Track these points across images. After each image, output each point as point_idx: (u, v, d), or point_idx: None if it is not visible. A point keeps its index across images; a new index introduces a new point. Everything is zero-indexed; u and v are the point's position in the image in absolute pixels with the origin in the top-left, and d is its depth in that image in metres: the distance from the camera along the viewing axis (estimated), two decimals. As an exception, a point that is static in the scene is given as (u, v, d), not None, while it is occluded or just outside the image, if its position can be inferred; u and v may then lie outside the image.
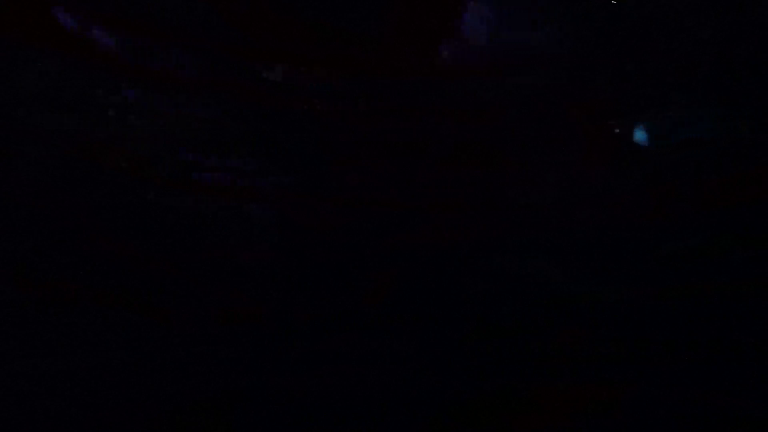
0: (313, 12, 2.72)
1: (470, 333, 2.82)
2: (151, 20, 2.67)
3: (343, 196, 2.80)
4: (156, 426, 2.71)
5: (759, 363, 2.76)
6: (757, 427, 2.74)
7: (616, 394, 2.78)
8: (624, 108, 2.78)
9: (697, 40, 2.72)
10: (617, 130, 2.64)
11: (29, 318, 2.71)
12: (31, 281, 2.71)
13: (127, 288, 2.75)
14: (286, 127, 2.79)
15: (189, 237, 2.78)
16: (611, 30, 2.74)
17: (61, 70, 2.69)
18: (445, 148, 2.81)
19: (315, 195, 2.80)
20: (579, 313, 2.82)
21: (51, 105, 2.69)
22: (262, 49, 2.73)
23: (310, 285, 2.81)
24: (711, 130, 2.77)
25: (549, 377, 2.79)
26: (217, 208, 2.79)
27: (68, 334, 2.72)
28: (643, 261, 2.80)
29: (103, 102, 2.72)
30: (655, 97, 2.77)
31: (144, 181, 2.74)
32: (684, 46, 2.73)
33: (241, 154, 2.78)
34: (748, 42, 2.72)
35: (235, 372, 2.76)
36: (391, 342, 2.81)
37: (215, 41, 2.70)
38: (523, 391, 2.79)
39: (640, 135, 2.72)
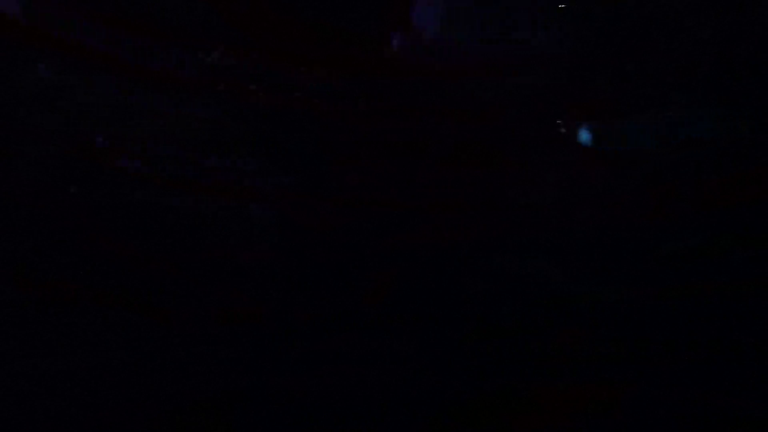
0: (313, 12, 2.72)
1: (470, 333, 2.82)
2: (151, 20, 2.67)
3: (343, 196, 2.80)
4: (156, 426, 2.71)
5: (759, 363, 2.76)
6: (757, 427, 2.74)
7: (616, 394, 2.78)
8: (624, 108, 2.78)
9: (697, 40, 2.72)
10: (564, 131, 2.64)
11: (29, 318, 2.71)
12: (31, 281, 2.71)
13: (127, 288, 2.75)
14: (286, 127, 2.79)
15: (189, 237, 2.78)
16: (611, 30, 2.74)
17: (61, 71, 2.69)
18: (445, 148, 2.81)
19: (315, 195, 2.80)
20: (579, 313, 2.82)
21: (51, 105, 2.69)
22: (262, 49, 2.73)
23: (310, 285, 2.81)
24: (711, 130, 2.77)
25: (549, 377, 2.79)
26: (217, 208, 2.79)
27: (68, 334, 2.72)
28: (643, 261, 2.80)
29: (103, 102, 2.72)
30: (655, 97, 2.77)
31: (144, 181, 2.74)
32: (684, 46, 2.73)
33: (241, 154, 2.78)
34: (748, 42, 2.72)
35: (235, 372, 2.76)
36: (391, 342, 2.81)
37: (215, 41, 2.70)
38: (523, 391, 2.79)
39: (585, 137, 2.72)
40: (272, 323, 2.80)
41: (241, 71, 2.73)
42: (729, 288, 2.79)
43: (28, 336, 2.70)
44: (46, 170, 2.71)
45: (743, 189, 2.76)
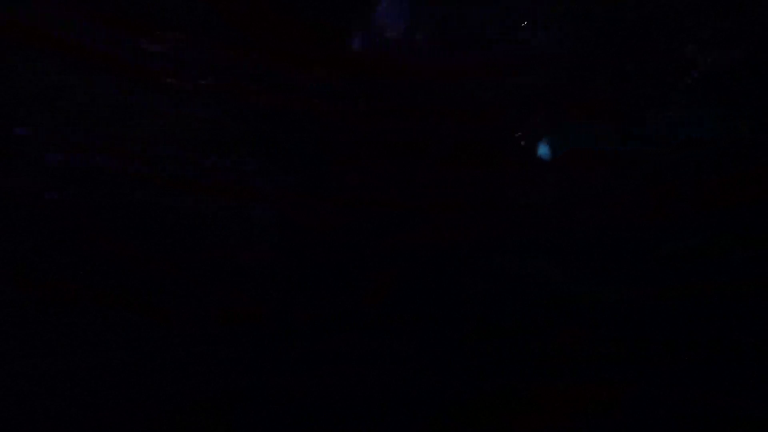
0: (313, 12, 2.72)
1: (470, 333, 2.82)
2: (151, 20, 2.67)
3: (343, 196, 2.80)
4: (156, 426, 2.71)
5: (759, 363, 2.76)
6: (757, 427, 2.74)
7: (616, 394, 2.78)
8: (624, 108, 2.78)
9: (697, 40, 2.73)
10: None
11: (29, 318, 2.71)
12: (31, 281, 2.71)
13: (127, 288, 2.75)
14: (286, 127, 2.79)
15: (189, 237, 2.78)
16: (611, 30, 2.74)
17: (61, 71, 2.69)
18: (445, 148, 2.81)
19: (315, 195, 2.80)
20: (579, 313, 2.82)
21: (51, 105, 2.69)
22: (262, 49, 2.73)
23: (310, 285, 2.81)
24: (711, 130, 2.77)
25: (549, 377, 2.79)
26: (217, 208, 2.79)
27: (68, 334, 2.72)
28: (643, 261, 2.80)
29: (103, 102, 2.72)
30: (655, 97, 2.77)
31: (144, 181, 2.74)
32: (684, 46, 2.73)
33: (241, 154, 2.78)
34: (748, 42, 2.72)
35: (235, 372, 2.76)
36: (391, 342, 2.81)
37: (215, 41, 2.70)
38: (523, 391, 2.79)
39: (543, 150, 2.73)
40: (272, 323, 2.80)
41: (242, 71, 2.73)
42: (729, 288, 2.79)
43: (28, 336, 2.70)
44: (45, 171, 2.71)
45: (743, 189, 2.76)
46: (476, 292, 2.82)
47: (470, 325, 2.82)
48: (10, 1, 2.60)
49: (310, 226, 2.81)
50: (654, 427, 2.76)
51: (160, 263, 2.76)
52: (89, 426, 2.69)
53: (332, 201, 2.80)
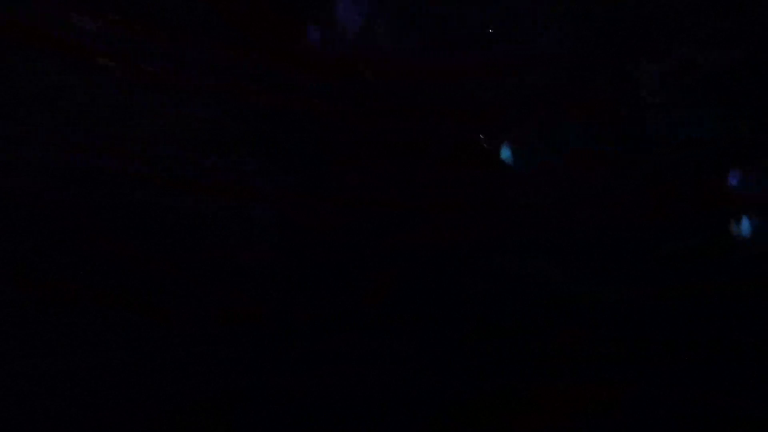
0: (313, 12, 2.72)
1: (470, 333, 2.82)
2: (151, 20, 2.67)
3: (343, 196, 2.80)
4: (156, 426, 2.71)
5: (759, 363, 2.76)
6: (757, 427, 2.74)
7: (616, 394, 2.78)
8: (624, 108, 2.78)
9: (697, 40, 2.72)
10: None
11: (29, 318, 2.71)
12: (31, 281, 2.71)
13: (127, 288, 2.75)
14: (286, 127, 2.79)
15: (189, 237, 2.78)
16: (611, 30, 2.74)
17: (61, 71, 2.69)
18: (445, 148, 2.81)
19: (315, 195, 2.80)
20: (579, 313, 2.82)
21: (51, 106, 2.69)
22: (262, 49, 2.73)
23: (310, 285, 2.81)
24: (711, 130, 2.77)
25: (549, 377, 2.79)
26: (217, 208, 2.79)
27: (68, 334, 2.72)
28: (643, 261, 2.80)
29: (103, 102, 2.72)
30: (656, 98, 2.77)
31: (144, 181, 2.74)
32: (684, 46, 2.73)
33: (241, 154, 2.78)
34: (748, 42, 2.72)
35: (235, 372, 2.76)
36: (391, 342, 2.81)
37: (215, 41, 2.70)
38: (523, 391, 2.79)
39: (505, 153, 2.73)
40: (272, 323, 2.80)
41: (242, 71, 2.73)
42: (729, 288, 2.79)
43: (28, 336, 2.70)
44: (46, 171, 2.71)
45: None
46: (476, 292, 2.82)
47: (470, 325, 2.82)
48: (10, 1, 2.60)
49: (310, 226, 2.81)
50: (654, 427, 2.76)
51: (160, 263, 2.76)
52: (89, 426, 2.69)
53: (332, 201, 2.80)
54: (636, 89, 2.76)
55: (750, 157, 2.74)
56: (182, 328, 2.77)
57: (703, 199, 2.77)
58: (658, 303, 2.80)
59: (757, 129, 2.74)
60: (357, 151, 2.79)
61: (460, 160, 2.79)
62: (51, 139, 2.70)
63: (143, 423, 2.70)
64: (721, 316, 2.79)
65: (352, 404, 2.75)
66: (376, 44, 2.67)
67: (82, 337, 2.73)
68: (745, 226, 2.72)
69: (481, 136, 2.60)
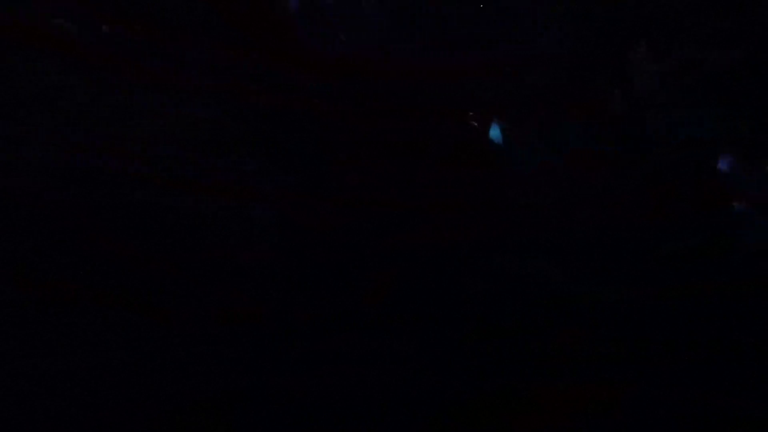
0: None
1: (470, 333, 2.82)
2: (151, 20, 2.67)
3: (343, 196, 2.80)
4: (156, 426, 2.71)
5: (759, 363, 2.76)
6: (757, 427, 2.74)
7: (616, 394, 2.78)
8: (624, 108, 2.78)
9: (697, 40, 2.72)
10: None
11: (29, 318, 2.71)
12: (31, 281, 2.71)
13: (127, 288, 2.75)
14: (286, 127, 2.79)
15: (189, 237, 2.78)
16: (611, 30, 2.74)
17: (61, 71, 2.69)
18: (445, 148, 2.81)
19: (315, 195, 2.80)
20: (579, 313, 2.82)
21: (51, 106, 2.69)
22: (261, 49, 2.73)
23: (310, 285, 2.81)
24: (711, 130, 2.77)
25: (549, 377, 2.79)
26: (217, 208, 2.79)
27: (68, 334, 2.72)
28: (643, 261, 2.80)
29: (103, 102, 2.72)
30: (656, 98, 2.77)
31: (144, 181, 2.74)
32: (684, 46, 2.73)
33: (241, 154, 2.78)
34: (748, 42, 2.72)
35: (235, 372, 2.76)
36: (391, 342, 2.81)
37: (215, 41, 2.70)
38: (523, 391, 2.79)
39: (494, 132, 2.72)
40: (272, 323, 2.80)
41: (242, 71, 2.73)
42: (729, 288, 2.79)
43: (28, 336, 2.70)
44: (46, 171, 2.71)
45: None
46: (476, 292, 2.82)
47: (470, 325, 2.82)
48: (10, 1, 2.60)
49: (310, 226, 2.81)
50: (654, 427, 2.76)
51: (160, 263, 2.76)
52: (89, 426, 2.69)
53: (332, 201, 2.80)
54: (636, 89, 2.76)
55: (750, 157, 2.74)
56: (182, 328, 2.77)
57: (703, 199, 2.77)
58: (658, 303, 2.80)
59: (757, 129, 2.74)
60: (357, 151, 2.79)
61: (460, 160, 2.79)
62: (51, 139, 2.69)
63: (143, 423, 2.70)
64: (721, 316, 2.79)
65: (352, 404, 2.75)
66: (376, 44, 2.67)
67: (82, 337, 2.73)
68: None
69: (475, 124, 2.60)
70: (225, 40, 2.69)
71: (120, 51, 2.66)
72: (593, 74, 2.76)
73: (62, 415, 2.68)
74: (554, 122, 2.75)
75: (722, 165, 2.71)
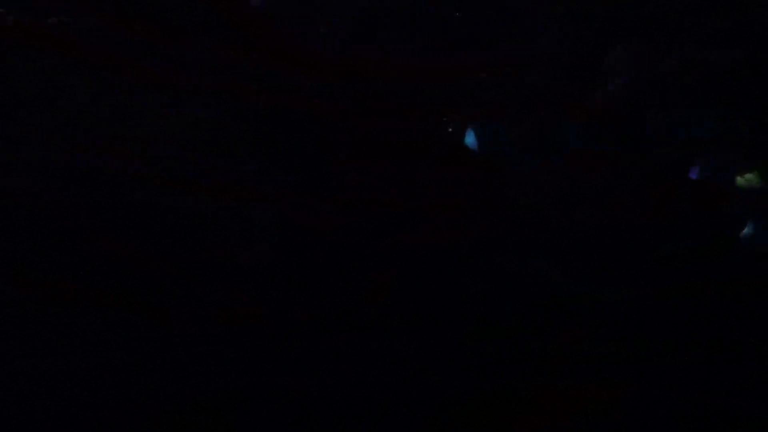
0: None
1: (470, 333, 2.82)
2: (151, 20, 2.67)
3: (343, 196, 2.80)
4: (156, 426, 2.71)
5: (759, 363, 2.76)
6: (757, 427, 2.74)
7: (616, 394, 2.78)
8: (625, 109, 2.78)
9: (697, 40, 2.72)
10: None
11: (29, 318, 2.71)
12: (31, 281, 2.71)
13: (127, 288, 2.75)
14: (286, 127, 2.79)
15: (189, 237, 2.78)
16: (611, 30, 2.73)
17: (61, 71, 2.69)
18: (445, 148, 2.80)
19: (315, 195, 2.80)
20: (579, 313, 2.82)
21: (51, 106, 2.69)
22: (262, 49, 2.73)
23: (310, 285, 2.81)
24: (711, 130, 2.77)
25: (549, 377, 2.79)
26: (217, 208, 2.79)
27: (68, 334, 2.72)
28: (643, 261, 2.80)
29: (103, 102, 2.72)
30: (656, 98, 2.77)
31: (144, 181, 2.74)
32: (684, 46, 2.73)
33: (241, 154, 2.78)
34: (748, 42, 2.72)
35: (235, 372, 2.76)
36: (391, 342, 2.81)
37: (215, 41, 2.70)
38: (523, 391, 2.79)
39: (470, 139, 2.73)
40: (272, 323, 2.80)
41: (241, 71, 2.73)
42: (729, 288, 2.79)
43: (28, 336, 2.70)
44: (46, 171, 2.71)
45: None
46: (476, 292, 2.82)
47: (470, 325, 2.82)
48: (10, 1, 2.59)
49: (310, 226, 2.81)
50: (654, 427, 2.76)
51: (160, 263, 2.76)
52: (89, 426, 2.69)
53: (332, 201, 2.80)
54: (636, 89, 2.76)
55: (750, 157, 2.74)
56: (182, 328, 2.77)
57: (703, 199, 2.77)
58: (658, 303, 2.80)
59: (757, 129, 2.74)
60: (357, 151, 2.79)
61: (460, 160, 2.79)
62: (51, 139, 2.69)
63: (143, 423, 2.70)
64: (721, 316, 2.79)
65: (352, 404, 2.75)
66: (376, 44, 2.67)
67: (82, 337, 2.73)
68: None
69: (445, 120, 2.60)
70: (225, 40, 2.69)
71: (120, 51, 2.66)
72: (593, 74, 2.76)
73: (62, 415, 2.68)
74: (554, 122, 2.75)
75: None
